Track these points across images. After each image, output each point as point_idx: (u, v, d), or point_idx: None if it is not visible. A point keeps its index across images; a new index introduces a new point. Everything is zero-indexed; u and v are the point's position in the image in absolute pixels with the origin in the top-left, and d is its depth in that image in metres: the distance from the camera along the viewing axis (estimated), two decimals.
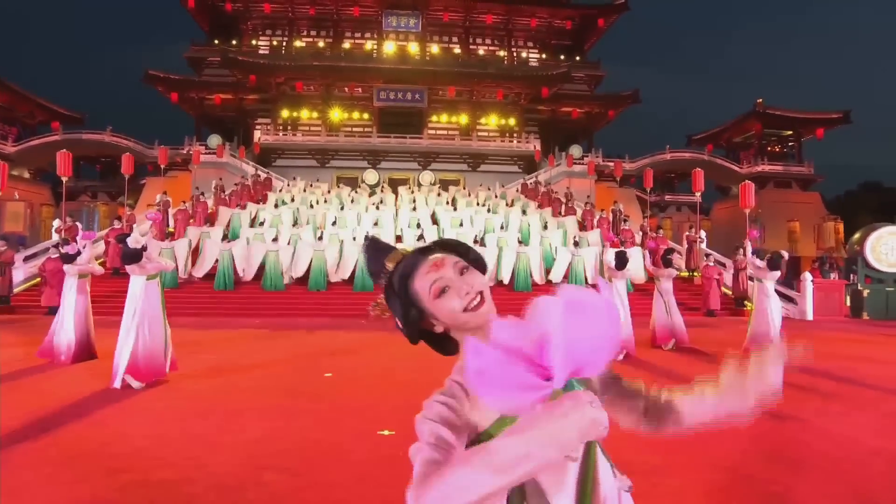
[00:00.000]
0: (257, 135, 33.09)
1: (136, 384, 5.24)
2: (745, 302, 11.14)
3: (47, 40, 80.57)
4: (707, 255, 11.15)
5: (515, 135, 34.58)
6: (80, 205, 34.56)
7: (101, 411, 4.45)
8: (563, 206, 21.58)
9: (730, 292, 12.12)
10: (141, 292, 5.40)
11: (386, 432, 3.38)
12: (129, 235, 6.02)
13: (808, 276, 11.04)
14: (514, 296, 12.29)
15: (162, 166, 18.82)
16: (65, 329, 6.38)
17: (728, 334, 9.04)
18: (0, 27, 74.67)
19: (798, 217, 34.21)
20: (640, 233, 14.97)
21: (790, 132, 39.73)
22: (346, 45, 35.28)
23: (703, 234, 14.03)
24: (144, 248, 5.56)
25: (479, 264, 1.00)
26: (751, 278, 11.32)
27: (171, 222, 15.59)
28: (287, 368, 6.19)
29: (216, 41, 35.01)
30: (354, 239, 12.85)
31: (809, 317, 11.21)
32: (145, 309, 5.40)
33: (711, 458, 3.37)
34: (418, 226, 16.31)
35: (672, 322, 7.84)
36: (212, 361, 6.50)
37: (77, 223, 13.02)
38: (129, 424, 4.11)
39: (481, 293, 0.92)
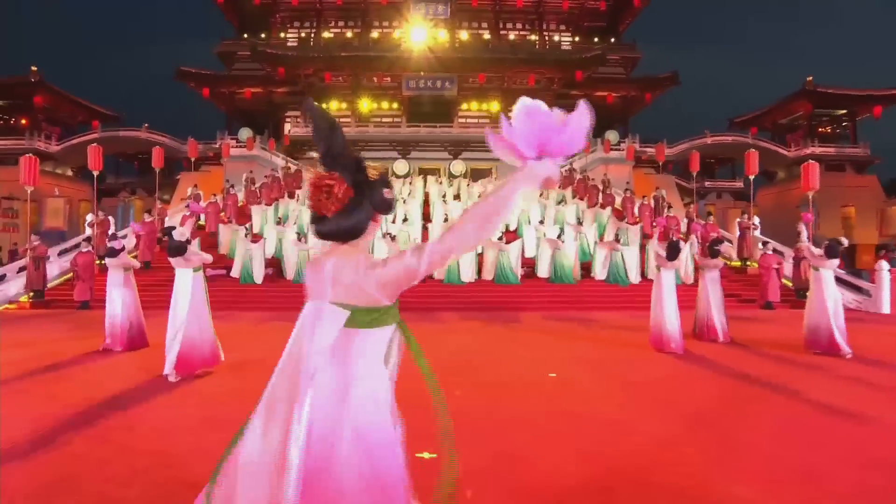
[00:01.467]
0: (287, 128, 33.11)
1: (176, 377, 5.22)
2: (807, 293, 10.16)
3: (82, 39, 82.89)
4: (765, 244, 10.19)
5: None
6: (119, 200, 35.42)
7: (150, 400, 4.52)
8: (601, 194, 20.63)
9: (789, 283, 11.13)
10: (188, 285, 5.38)
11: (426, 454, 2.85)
12: (174, 229, 5.83)
13: (884, 265, 9.95)
14: (553, 287, 11.69)
15: (192, 159, 18.82)
16: (118, 320, 6.55)
17: (787, 329, 8.23)
18: (36, 30, 77.24)
19: (853, 202, 32.12)
20: (686, 220, 14.01)
21: (843, 111, 37.31)
22: (374, 34, 34.87)
23: (756, 220, 12.95)
24: (189, 241, 5.61)
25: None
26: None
27: (203, 216, 15.50)
28: None
29: (245, 35, 35.16)
30: (384, 236, 12.19)
31: (886, 310, 10.08)
32: (194, 301, 5.37)
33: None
34: (445, 220, 15.78)
35: (715, 316, 7.16)
36: (255, 353, 6.40)
37: (109, 217, 13.03)
38: (179, 414, 4.13)
39: None
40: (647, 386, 4.96)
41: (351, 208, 1.38)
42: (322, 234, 1.42)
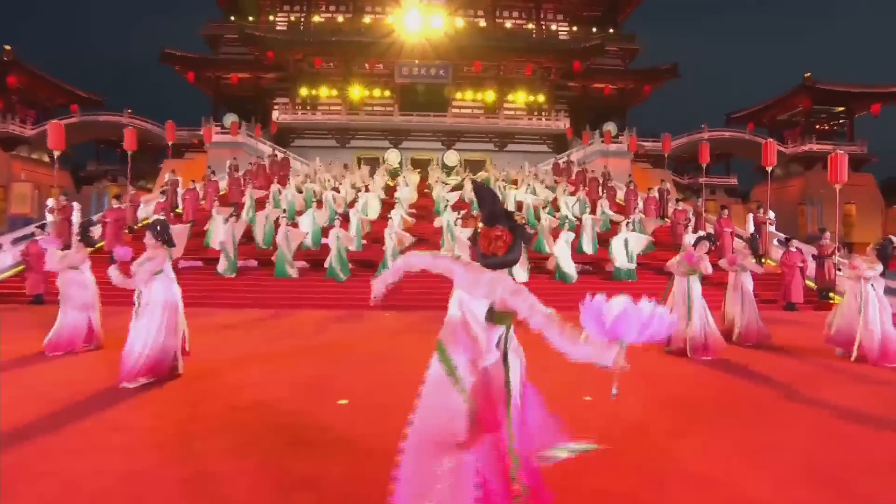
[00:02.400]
0: (275, 115, 31.93)
1: (143, 380, 4.51)
2: (831, 294, 9.49)
3: (62, 19, 79.42)
4: (788, 240, 9.42)
5: (544, 112, 32.70)
6: (96, 188, 34.09)
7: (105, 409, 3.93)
8: (601, 187, 19.88)
9: (812, 283, 10.40)
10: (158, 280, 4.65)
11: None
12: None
13: None
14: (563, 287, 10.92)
15: (171, 144, 17.71)
16: (72, 320, 5.82)
17: (816, 331, 7.58)
18: (11, 5, 73.47)
19: (853, 200, 31.73)
20: (694, 215, 13.28)
21: (842, 108, 36.90)
22: (367, 19, 33.71)
23: (771, 214, 12.22)
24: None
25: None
26: (838, 267, 9.66)
27: (181, 203, 14.48)
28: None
29: (233, 18, 33.82)
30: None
31: None
32: (161, 299, 4.64)
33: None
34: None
35: (754, 319, 6.44)
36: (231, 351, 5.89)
37: (74, 203, 11.97)
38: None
39: None
40: (710, 408, 4.19)
41: (512, 248, 2.05)
42: (492, 266, 2.07)
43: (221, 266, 10.36)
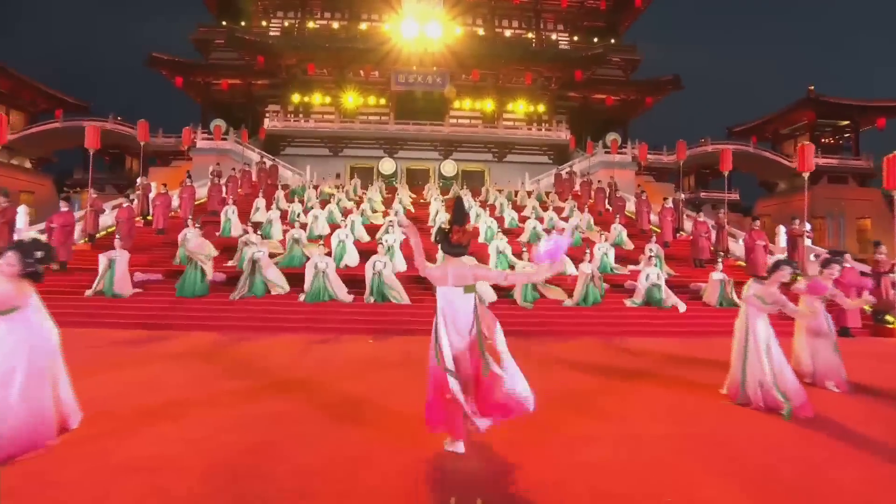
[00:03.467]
0: (267, 122, 30.77)
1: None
2: (888, 317, 8.30)
3: (48, 24, 77.25)
4: (836, 255, 8.21)
5: (545, 123, 31.74)
6: (77, 196, 32.70)
7: None
8: (607, 198, 18.76)
9: (867, 306, 9.19)
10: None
11: None
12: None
13: None
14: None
15: (142, 142, 16.40)
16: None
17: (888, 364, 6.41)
18: None
19: (865, 215, 30.84)
20: (716, 227, 12.12)
21: (846, 122, 36.24)
22: (363, 26, 32.81)
23: (808, 226, 11.02)
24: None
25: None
26: None
27: (151, 209, 13.17)
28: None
29: (224, 23, 32.82)
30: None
31: None
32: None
33: None
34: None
35: (834, 356, 5.16)
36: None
37: (21, 207, 10.66)
38: None
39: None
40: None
41: (469, 241, 3.41)
42: (459, 253, 3.39)
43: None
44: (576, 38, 34.23)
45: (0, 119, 9.71)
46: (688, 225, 13.95)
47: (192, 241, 10.63)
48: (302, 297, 8.63)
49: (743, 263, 11.59)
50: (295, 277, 9.10)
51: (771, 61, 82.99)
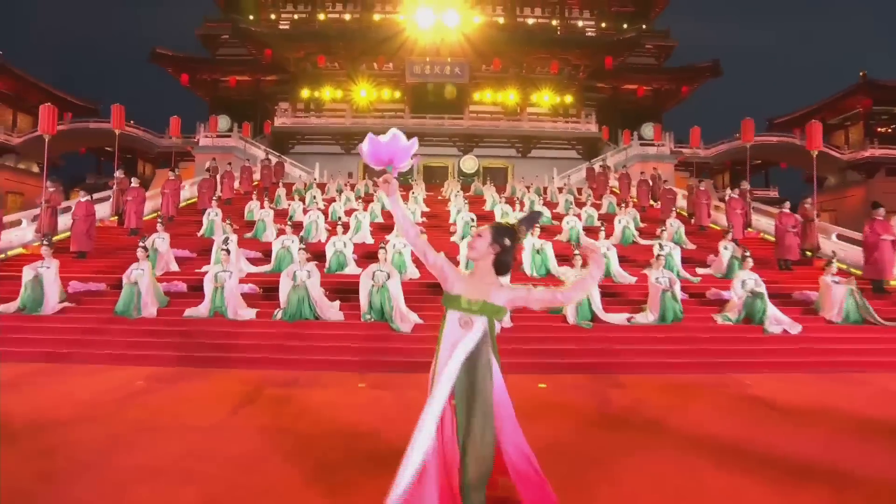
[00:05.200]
0: (276, 120, 29.10)
1: None
2: None
3: (55, 23, 75.99)
4: None
5: (572, 115, 29.41)
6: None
7: None
8: (651, 191, 16.45)
9: None
10: None
11: None
12: None
13: None
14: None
15: (116, 131, 14.73)
16: None
17: None
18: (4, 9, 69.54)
19: None
20: (805, 220, 9.73)
21: None
22: (376, 17, 30.95)
23: None
24: None
25: (499, 265, 2.34)
26: None
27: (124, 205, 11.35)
28: None
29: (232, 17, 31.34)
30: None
31: None
32: None
33: None
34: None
35: None
36: None
37: None
38: None
39: (474, 250, 2.36)
40: None
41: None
42: (503, 269, 2.42)
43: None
44: (603, 25, 31.82)
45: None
46: (762, 221, 11.62)
47: (164, 247, 8.76)
48: (278, 315, 6.54)
49: (844, 266, 9.18)
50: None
51: (817, 45, 76.37)
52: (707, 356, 6.03)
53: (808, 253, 9.98)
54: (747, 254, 7.04)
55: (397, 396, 4.65)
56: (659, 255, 7.34)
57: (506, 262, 2.28)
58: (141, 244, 7.06)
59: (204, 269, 7.83)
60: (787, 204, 9.67)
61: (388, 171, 2.30)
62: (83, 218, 8.86)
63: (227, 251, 6.97)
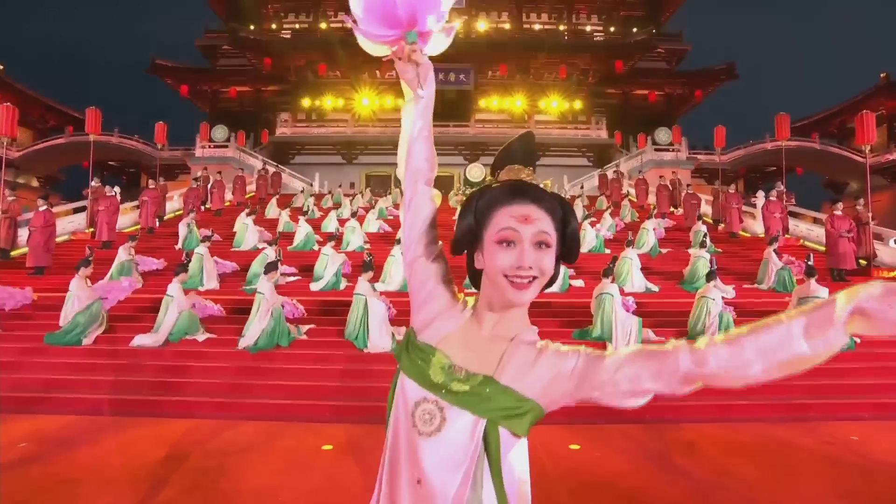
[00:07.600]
0: (277, 130, 28.36)
1: None
2: None
3: (52, 35, 76.35)
4: None
5: (581, 122, 28.40)
6: None
7: None
8: (671, 197, 15.31)
9: None
10: None
11: None
12: None
13: None
14: None
15: (91, 135, 13.95)
16: None
17: None
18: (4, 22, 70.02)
19: None
20: (859, 224, 8.59)
21: None
22: None
23: None
24: None
25: (570, 250, 0.94)
26: None
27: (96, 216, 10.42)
28: None
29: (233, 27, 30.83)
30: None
31: None
32: None
33: None
34: None
35: None
36: None
37: None
38: None
39: (536, 279, 0.89)
40: None
41: None
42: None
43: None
44: (612, 30, 30.93)
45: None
46: (801, 226, 10.46)
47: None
48: (243, 345, 5.41)
49: None
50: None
51: (833, 47, 74.49)
52: (783, 394, 4.82)
53: (863, 262, 8.78)
54: (810, 262, 5.86)
55: (369, 468, 3.36)
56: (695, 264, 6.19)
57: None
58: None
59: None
60: (840, 205, 8.51)
61: (408, 41, 1.08)
62: (40, 229, 7.91)
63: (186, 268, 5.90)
